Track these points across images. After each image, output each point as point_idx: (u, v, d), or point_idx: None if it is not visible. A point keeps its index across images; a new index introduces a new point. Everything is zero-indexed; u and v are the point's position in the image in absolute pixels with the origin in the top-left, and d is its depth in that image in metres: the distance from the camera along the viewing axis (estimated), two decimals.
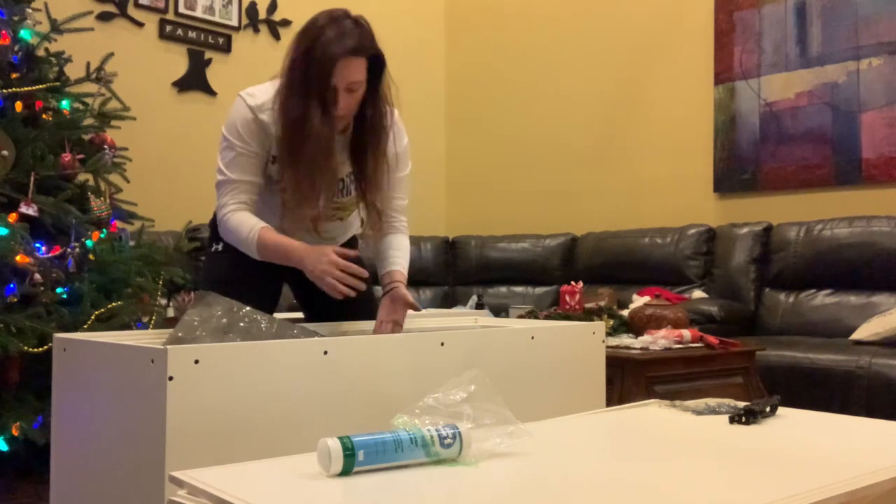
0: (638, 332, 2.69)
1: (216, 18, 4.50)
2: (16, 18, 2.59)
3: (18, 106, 2.52)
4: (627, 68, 4.68)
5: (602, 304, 2.92)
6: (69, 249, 2.45)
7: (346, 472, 0.98)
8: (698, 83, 4.35)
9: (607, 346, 2.03)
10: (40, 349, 2.27)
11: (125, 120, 2.84)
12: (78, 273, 2.47)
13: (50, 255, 2.41)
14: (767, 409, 1.38)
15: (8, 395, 2.33)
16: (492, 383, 1.17)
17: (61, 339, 1.50)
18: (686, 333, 2.57)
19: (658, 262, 4.17)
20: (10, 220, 2.36)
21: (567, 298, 2.94)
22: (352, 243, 2.22)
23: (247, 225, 1.84)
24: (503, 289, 4.84)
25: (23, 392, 2.34)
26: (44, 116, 2.60)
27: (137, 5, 4.21)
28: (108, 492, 1.33)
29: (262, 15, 4.70)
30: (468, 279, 4.98)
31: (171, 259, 2.84)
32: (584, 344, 1.88)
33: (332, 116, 1.79)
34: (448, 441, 1.04)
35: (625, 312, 2.85)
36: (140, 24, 4.22)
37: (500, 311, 3.85)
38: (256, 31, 4.66)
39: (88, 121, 2.74)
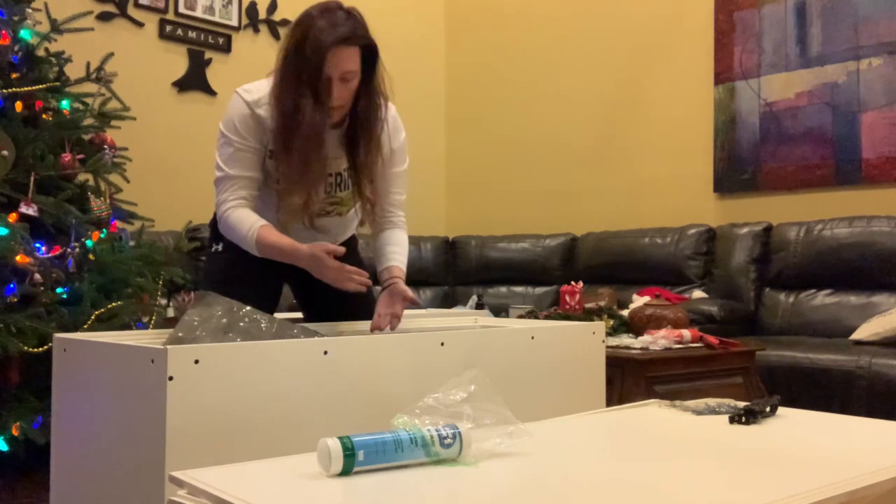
0: (638, 332, 2.69)
1: (216, 18, 4.50)
2: (16, 18, 2.59)
3: (18, 106, 2.52)
4: (627, 68, 4.68)
5: (602, 304, 2.92)
6: (69, 249, 2.45)
7: (346, 472, 0.98)
8: (698, 83, 4.35)
9: (607, 346, 2.03)
10: (40, 349, 2.27)
11: (125, 120, 2.84)
12: (78, 273, 2.47)
13: (50, 255, 2.41)
14: (767, 409, 1.38)
15: (8, 395, 2.33)
16: (492, 383, 1.17)
17: (61, 339, 1.50)
18: (686, 333, 2.57)
19: (658, 262, 4.17)
20: (10, 220, 2.36)
21: (567, 298, 2.94)
22: (351, 242, 2.22)
23: (247, 222, 1.85)
24: (503, 289, 4.84)
25: (23, 392, 2.34)
26: (44, 116, 2.60)
27: (137, 5, 4.21)
28: (108, 492, 1.33)
29: (262, 15, 4.70)
30: (468, 279, 4.98)
31: (171, 259, 2.84)
32: (584, 344, 1.88)
33: (324, 107, 1.79)
34: (448, 441, 1.04)
35: (625, 312, 2.85)
36: (140, 24, 4.22)
37: (500, 311, 3.85)
38: (256, 31, 4.66)
39: (88, 121, 2.74)
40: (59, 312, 2.38)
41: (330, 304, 2.11)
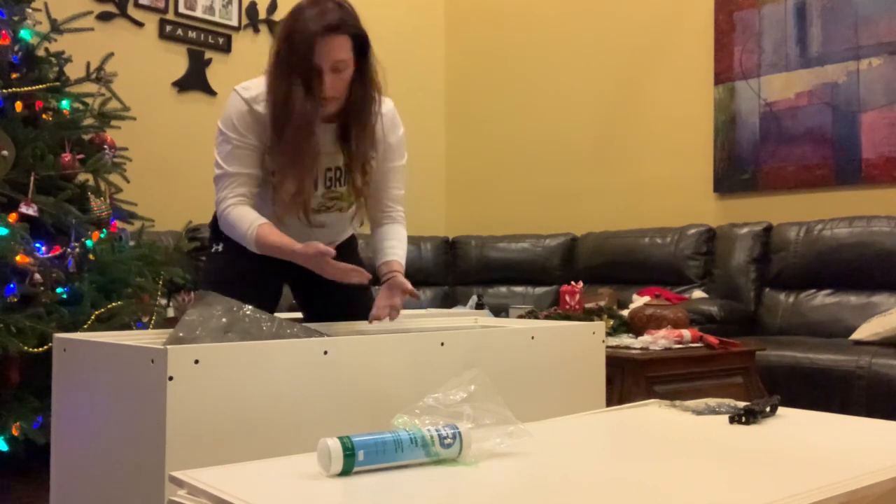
0: (638, 332, 2.69)
1: (216, 18, 4.50)
2: (16, 18, 2.59)
3: (18, 106, 2.52)
4: (627, 68, 4.68)
5: (602, 304, 2.92)
6: (69, 249, 2.45)
7: (346, 472, 0.98)
8: (698, 83, 4.35)
9: (607, 346, 2.03)
10: (40, 349, 2.27)
11: (125, 120, 2.84)
12: (78, 273, 2.47)
13: (50, 255, 2.41)
14: (767, 409, 1.38)
15: (8, 395, 2.33)
16: (492, 383, 1.17)
17: (61, 339, 1.50)
18: (686, 333, 2.57)
19: (658, 262, 4.17)
20: (10, 220, 2.36)
21: (567, 298, 2.94)
22: (351, 242, 2.22)
23: (246, 220, 1.85)
24: (503, 289, 4.84)
25: (23, 392, 2.34)
26: (44, 116, 2.60)
27: (137, 5, 4.21)
28: (108, 492, 1.33)
29: (262, 15, 4.70)
30: (468, 279, 4.98)
31: (171, 259, 2.84)
32: (584, 344, 1.88)
33: (315, 96, 1.79)
34: (448, 441, 1.04)
35: (625, 312, 2.85)
36: (140, 24, 4.22)
37: (500, 311, 3.85)
38: (256, 31, 4.66)
39: (88, 121, 2.74)
40: (59, 312, 2.38)
41: (329, 304, 2.12)
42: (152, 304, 2.71)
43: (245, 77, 1.94)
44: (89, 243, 2.51)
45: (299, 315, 2.26)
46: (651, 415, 1.42)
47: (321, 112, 1.82)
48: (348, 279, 1.78)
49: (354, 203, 2.03)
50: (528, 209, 5.13)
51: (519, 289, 4.80)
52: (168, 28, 4.31)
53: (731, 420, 1.34)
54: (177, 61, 4.37)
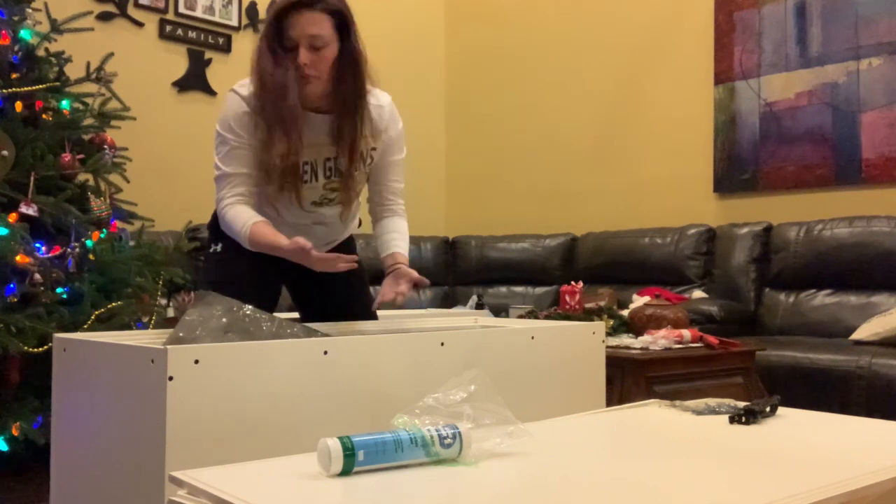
0: (638, 332, 2.69)
1: (216, 18, 4.50)
2: (16, 18, 2.59)
3: (18, 106, 2.52)
4: (627, 68, 4.68)
5: (602, 304, 2.92)
6: (69, 249, 2.45)
7: (346, 472, 0.98)
8: (698, 83, 4.35)
9: (607, 346, 2.03)
10: (40, 349, 2.27)
11: (125, 120, 2.84)
12: (78, 273, 2.47)
13: (50, 255, 2.41)
14: (767, 409, 1.38)
15: (8, 395, 2.33)
16: (492, 383, 1.17)
17: (61, 339, 1.50)
18: (686, 333, 2.57)
19: (658, 262, 4.17)
20: (10, 220, 2.36)
21: (567, 298, 2.94)
22: (349, 243, 2.22)
23: (241, 218, 1.86)
24: (503, 289, 4.84)
25: (23, 392, 2.34)
26: (44, 116, 2.60)
27: (137, 5, 4.21)
28: (108, 492, 1.33)
29: (262, 15, 4.70)
30: (468, 279, 4.98)
31: (171, 259, 2.84)
32: (584, 344, 1.88)
33: (287, 68, 1.80)
34: (448, 441, 1.04)
35: (625, 312, 2.85)
36: (140, 24, 4.22)
37: (500, 311, 3.85)
38: (256, 31, 4.66)
39: (88, 121, 2.74)
40: (59, 312, 2.38)
41: (327, 304, 2.12)
42: (152, 304, 2.71)
43: (244, 77, 1.95)
44: (89, 243, 2.51)
45: (298, 315, 2.26)
46: (651, 415, 1.42)
47: (305, 88, 1.82)
48: (336, 268, 1.78)
49: (343, 192, 2.01)
50: (528, 209, 5.13)
51: (519, 289, 4.80)
52: (168, 28, 4.31)
53: (731, 420, 1.34)
54: (177, 61, 4.37)
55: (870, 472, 1.02)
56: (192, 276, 2.92)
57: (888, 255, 3.45)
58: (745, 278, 3.89)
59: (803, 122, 3.93)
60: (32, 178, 2.47)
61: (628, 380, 2.38)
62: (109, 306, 2.49)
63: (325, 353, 1.41)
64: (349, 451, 0.98)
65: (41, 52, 2.69)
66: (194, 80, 4.41)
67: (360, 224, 2.24)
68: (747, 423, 1.33)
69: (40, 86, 2.58)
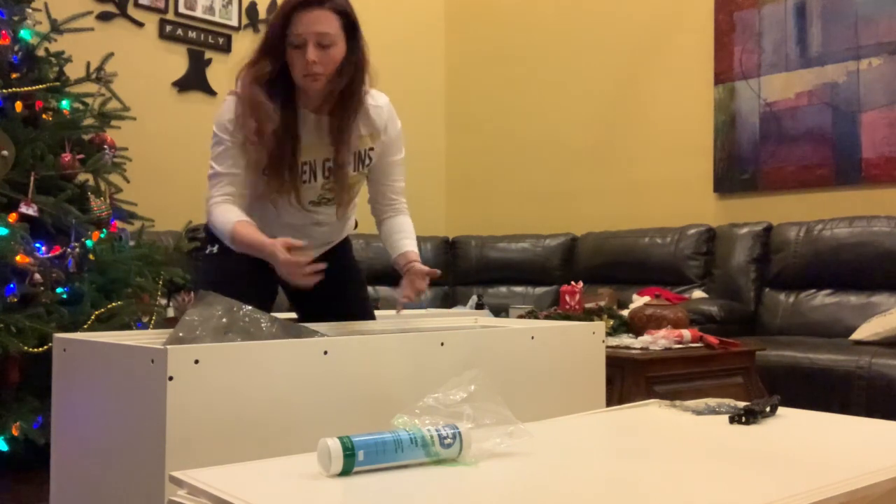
0: (638, 332, 2.69)
1: (216, 18, 4.50)
2: (16, 18, 2.59)
3: (18, 106, 2.52)
4: (627, 68, 4.68)
5: (602, 304, 2.92)
6: (69, 249, 2.45)
7: (346, 472, 0.98)
8: (698, 83, 4.35)
9: (607, 346, 2.03)
10: (40, 349, 2.27)
11: (125, 120, 2.84)
12: (78, 273, 2.47)
13: (50, 255, 2.41)
14: (767, 409, 1.38)
15: (8, 395, 2.33)
16: (492, 383, 1.17)
17: (61, 339, 1.50)
18: (686, 333, 2.57)
19: (658, 262, 4.17)
20: (10, 220, 2.36)
21: (567, 298, 2.94)
22: (345, 244, 2.22)
23: (225, 217, 1.84)
24: (503, 289, 4.84)
25: (23, 392, 2.34)
26: (44, 116, 2.60)
27: (137, 5, 4.21)
28: (108, 492, 1.33)
29: (262, 15, 4.70)
30: (468, 279, 4.98)
31: (171, 259, 2.84)
32: (584, 344, 1.88)
33: (298, 72, 1.80)
34: (448, 441, 1.04)
35: (625, 312, 2.85)
36: (140, 24, 4.22)
37: (500, 311, 3.85)
38: (256, 31, 4.66)
39: (88, 121, 2.74)
40: (59, 312, 2.38)
41: (324, 303, 2.12)
42: (152, 304, 2.71)
43: None
44: (89, 243, 2.51)
45: (295, 315, 2.26)
46: (651, 415, 1.42)
47: (310, 86, 1.82)
48: (296, 282, 1.74)
49: (341, 192, 2.00)
50: (528, 209, 5.13)
51: (519, 289, 4.80)
52: (168, 28, 4.31)
53: (731, 420, 1.34)
54: (177, 61, 4.37)
55: (870, 472, 1.02)
56: (192, 276, 2.92)
57: (888, 255, 3.45)
58: (745, 278, 3.89)
59: (803, 122, 3.93)
60: (32, 178, 2.47)
61: (628, 380, 2.38)
62: (109, 306, 2.49)
63: (325, 353, 1.41)
64: (349, 451, 0.98)
65: (41, 52, 2.69)
66: (194, 80, 4.42)
67: (356, 225, 2.25)
68: (747, 423, 1.33)
69: (40, 86, 2.58)
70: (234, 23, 4.57)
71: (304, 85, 1.83)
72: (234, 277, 1.97)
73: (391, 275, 4.40)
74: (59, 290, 2.42)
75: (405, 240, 2.06)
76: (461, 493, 0.93)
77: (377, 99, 1.98)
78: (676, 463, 1.06)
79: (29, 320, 2.28)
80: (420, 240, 4.90)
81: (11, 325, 2.26)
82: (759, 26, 4.10)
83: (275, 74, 1.84)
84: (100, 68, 2.83)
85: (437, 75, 5.63)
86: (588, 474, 1.01)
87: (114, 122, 2.81)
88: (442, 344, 1.59)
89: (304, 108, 1.89)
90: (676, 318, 2.69)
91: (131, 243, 2.75)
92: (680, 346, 2.54)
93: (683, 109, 4.41)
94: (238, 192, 1.89)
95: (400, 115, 2.06)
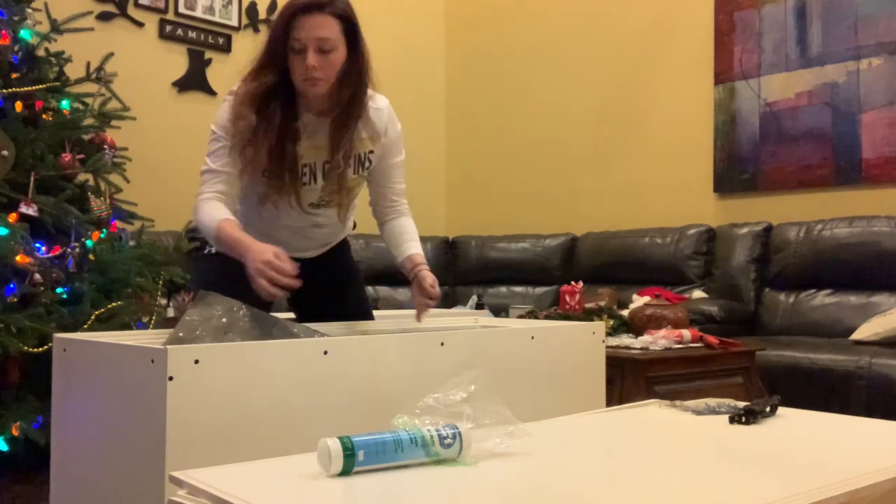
0: (638, 332, 2.69)
1: (216, 18, 4.50)
2: (16, 18, 2.59)
3: (18, 106, 2.52)
4: (627, 68, 4.68)
5: (602, 304, 2.92)
6: (69, 249, 2.45)
7: (346, 472, 0.98)
8: (698, 83, 4.35)
9: (607, 346, 2.03)
10: (40, 349, 2.27)
11: (125, 120, 2.83)
12: (78, 273, 2.47)
13: (50, 255, 2.41)
14: (767, 409, 1.38)
15: (8, 395, 2.32)
16: (492, 383, 1.17)
17: (61, 339, 1.50)
18: (686, 333, 2.57)
19: (658, 262, 4.17)
20: (10, 220, 2.36)
21: (567, 298, 2.94)
22: (343, 246, 2.22)
23: (212, 215, 1.81)
24: (503, 289, 4.84)
25: (23, 392, 2.34)
26: (44, 116, 2.60)
27: (137, 5, 4.21)
28: (108, 492, 1.33)
29: (262, 15, 4.70)
30: (468, 279, 4.98)
31: (171, 259, 2.84)
32: (584, 344, 1.88)
33: (298, 77, 1.79)
34: (448, 441, 1.04)
35: (625, 312, 2.85)
36: (140, 24, 4.22)
37: (500, 311, 3.85)
38: (256, 31, 4.66)
39: (88, 121, 2.73)
40: (59, 312, 2.38)
41: (321, 303, 2.12)
42: (152, 304, 2.70)
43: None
44: (89, 243, 2.51)
45: (294, 315, 2.26)
46: (651, 415, 1.42)
47: (310, 91, 1.82)
48: (256, 288, 1.66)
49: (341, 194, 2.00)
50: (528, 209, 5.13)
51: (519, 289, 4.80)
52: (168, 28, 4.31)
53: (731, 420, 1.34)
54: (177, 61, 4.37)
55: (870, 472, 1.02)
56: (192, 276, 2.92)
57: (888, 255, 3.45)
58: (745, 278, 3.89)
59: (803, 122, 3.93)
60: (32, 178, 2.46)
61: (628, 380, 2.38)
62: (109, 306, 2.49)
63: (325, 353, 1.41)
64: (349, 451, 0.98)
65: (41, 52, 2.69)
66: (194, 80, 4.42)
67: (354, 226, 2.25)
68: (747, 423, 1.33)
69: (40, 86, 2.58)
70: (234, 23, 4.57)
71: (304, 89, 1.83)
72: (233, 277, 1.97)
73: (391, 275, 4.44)
74: (59, 290, 2.42)
75: (410, 242, 2.06)
76: (461, 493, 0.93)
77: (377, 101, 1.98)
78: (676, 463, 1.06)
79: (29, 320, 2.28)
80: (420, 240, 4.92)
81: (11, 325, 2.26)
82: (759, 26, 4.10)
83: (276, 80, 1.83)
84: (100, 68, 2.82)
85: (437, 75, 5.63)
86: (588, 474, 1.01)
87: (114, 122, 2.81)
88: (442, 344, 1.59)
89: (305, 110, 1.89)
90: (676, 318, 2.69)
91: (131, 243, 2.75)
92: (680, 346, 2.54)
93: (683, 109, 4.41)
94: (229, 192, 1.88)
95: (400, 116, 2.06)
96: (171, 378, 1.21)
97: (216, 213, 1.82)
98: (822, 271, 3.65)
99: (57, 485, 1.49)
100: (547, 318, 2.82)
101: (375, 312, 2.28)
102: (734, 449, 1.15)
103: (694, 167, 4.36)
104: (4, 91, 2.49)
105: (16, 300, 2.31)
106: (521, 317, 2.89)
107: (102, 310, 2.46)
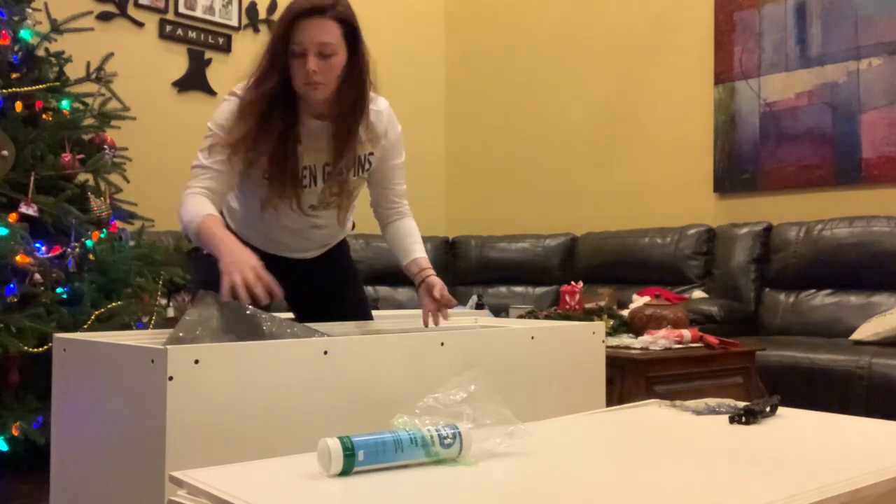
0: (638, 332, 2.69)
1: (216, 18, 4.50)
2: (16, 18, 2.59)
3: (18, 106, 2.52)
4: (627, 68, 4.68)
5: (602, 304, 2.92)
6: (69, 249, 2.45)
7: (346, 472, 0.98)
8: (698, 83, 4.35)
9: (607, 346, 2.03)
10: (40, 349, 2.27)
11: (125, 120, 2.83)
12: (78, 273, 2.47)
13: (50, 255, 2.41)
14: (767, 409, 1.38)
15: (8, 395, 2.33)
16: (492, 383, 1.17)
17: (61, 339, 1.50)
18: (686, 333, 2.57)
19: (658, 262, 4.17)
20: (10, 220, 2.36)
21: (567, 298, 2.94)
22: (342, 246, 2.22)
23: (196, 209, 1.78)
24: (503, 289, 4.84)
25: (23, 392, 2.34)
26: (44, 116, 2.60)
27: (137, 5, 4.21)
28: (108, 492, 1.33)
29: (262, 15, 4.70)
30: (468, 279, 4.98)
31: (171, 259, 2.84)
32: (584, 344, 1.88)
33: (299, 81, 1.78)
34: (448, 441, 1.04)
35: (625, 312, 2.85)
36: (140, 24, 4.22)
37: (500, 311, 3.85)
38: (256, 31, 4.66)
39: (88, 121, 2.74)
40: (59, 312, 2.38)
41: (320, 303, 2.12)
42: (152, 304, 2.71)
43: (245, 77, 1.94)
44: (89, 243, 2.51)
45: (292, 315, 2.26)
46: (651, 415, 1.42)
47: (311, 95, 1.81)
48: (224, 280, 1.62)
49: (341, 196, 1.99)
50: (528, 209, 5.13)
51: (519, 289, 4.80)
52: (168, 28, 4.31)
53: (731, 420, 1.34)
54: (177, 61, 4.37)
55: (870, 472, 1.02)
56: (191, 276, 2.92)
57: (888, 255, 3.45)
58: (745, 278, 3.89)
59: (803, 122, 3.93)
60: (32, 178, 2.47)
61: (628, 380, 2.38)
62: (109, 306, 2.49)
63: (325, 353, 1.41)
64: (349, 451, 0.98)
65: (41, 52, 2.69)
66: (194, 80, 4.42)
67: (353, 226, 2.25)
68: (747, 423, 1.33)
69: (40, 86, 2.58)
70: (234, 23, 4.57)
71: (305, 93, 1.82)
72: None
73: (391, 275, 4.44)
74: (59, 290, 2.42)
75: (414, 244, 2.05)
76: (461, 493, 0.93)
77: (377, 103, 1.98)
78: (676, 463, 1.06)
79: (29, 320, 2.29)
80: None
81: (11, 325, 2.26)
82: (759, 26, 4.10)
83: (278, 85, 1.83)
84: (100, 68, 2.83)
85: (437, 75, 5.63)
86: (588, 474, 1.01)
87: (114, 122, 2.81)
88: (442, 344, 1.59)
89: (306, 113, 1.89)
90: (676, 318, 2.69)
91: (131, 243, 2.75)
92: (680, 346, 2.54)
93: (683, 109, 4.41)
94: (217, 190, 1.85)
95: (400, 116, 2.06)
96: (170, 378, 1.21)
97: (201, 208, 1.78)
98: (821, 271, 3.65)
99: (57, 485, 1.49)
100: (547, 318, 2.82)
101: (375, 312, 2.28)
102: (734, 449, 1.15)
103: (694, 167, 4.36)
104: (4, 91, 2.49)
105: (16, 300, 2.31)
106: (521, 317, 2.89)
107: (102, 310, 2.46)
